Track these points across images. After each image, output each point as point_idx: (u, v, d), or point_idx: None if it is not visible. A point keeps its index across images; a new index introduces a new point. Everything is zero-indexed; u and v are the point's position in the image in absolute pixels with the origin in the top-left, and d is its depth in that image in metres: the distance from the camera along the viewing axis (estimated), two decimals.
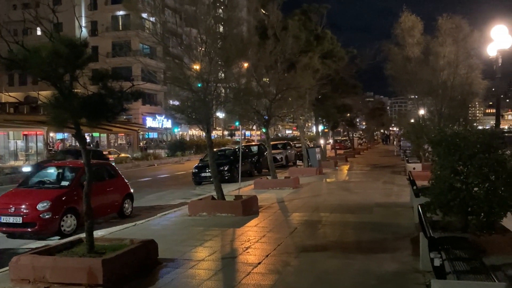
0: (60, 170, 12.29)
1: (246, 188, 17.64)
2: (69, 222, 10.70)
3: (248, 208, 11.89)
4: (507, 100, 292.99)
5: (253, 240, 8.78)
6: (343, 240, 8.72)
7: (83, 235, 10.09)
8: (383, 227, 9.73)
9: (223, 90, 13.11)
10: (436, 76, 14.86)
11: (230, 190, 17.37)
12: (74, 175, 11.69)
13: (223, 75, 12.92)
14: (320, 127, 31.83)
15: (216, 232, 9.66)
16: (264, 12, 17.59)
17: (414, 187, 9.88)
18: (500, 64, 14.64)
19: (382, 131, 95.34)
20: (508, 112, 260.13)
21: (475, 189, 7.16)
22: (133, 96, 6.61)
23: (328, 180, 20.74)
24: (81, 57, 6.18)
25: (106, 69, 6.60)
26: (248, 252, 7.97)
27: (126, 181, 13.92)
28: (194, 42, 12.09)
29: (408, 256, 7.28)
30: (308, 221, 10.76)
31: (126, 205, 13.26)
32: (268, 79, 16.03)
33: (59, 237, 9.99)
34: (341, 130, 57.61)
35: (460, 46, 14.65)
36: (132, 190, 13.65)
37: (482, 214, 7.12)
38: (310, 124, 47.86)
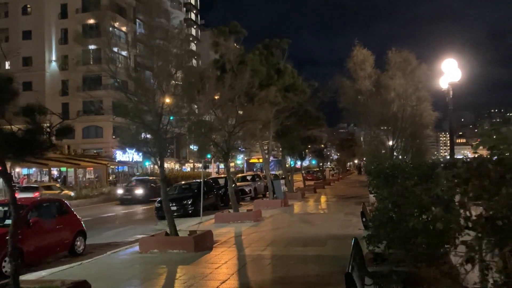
0: (5, 208, 11.85)
1: (207, 222, 17.32)
2: None
3: (202, 244, 11.61)
4: (476, 131, 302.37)
5: (198, 278, 8.52)
6: (289, 275, 8.55)
7: (24, 277, 9.67)
8: (333, 260, 9.62)
9: (177, 123, 12.98)
10: (391, 108, 15.22)
11: (191, 224, 17.05)
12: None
13: (177, 108, 12.84)
14: (289, 160, 32.01)
15: (163, 270, 9.36)
16: (224, 46, 17.75)
17: (363, 219, 9.85)
18: (451, 97, 15.06)
19: (356, 161, 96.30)
20: (477, 142, 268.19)
21: (415, 220, 7.17)
22: (63, 132, 6.45)
23: (291, 212, 20.62)
24: (5, 91, 6.01)
25: (36, 104, 6.44)
26: None
27: (79, 217, 13.53)
28: (146, 77, 12.05)
29: None
30: (260, 255, 10.56)
31: (78, 242, 12.84)
32: (226, 112, 16.02)
33: None
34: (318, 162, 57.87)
35: (409, 78, 15.06)
36: (84, 227, 13.27)
37: (423, 246, 7.12)
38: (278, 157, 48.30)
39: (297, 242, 12.19)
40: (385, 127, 15.30)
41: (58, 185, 34.71)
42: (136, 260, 10.61)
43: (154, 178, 36.31)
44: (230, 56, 16.11)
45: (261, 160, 48.79)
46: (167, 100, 12.18)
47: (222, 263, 9.90)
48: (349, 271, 5.03)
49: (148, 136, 11.99)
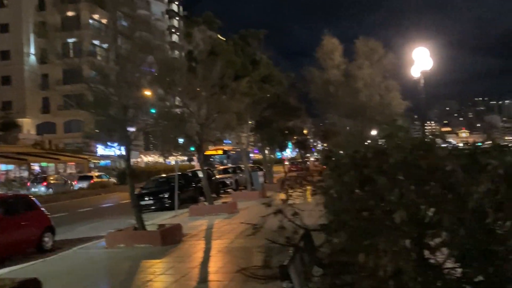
0: None
1: (182, 216, 17.16)
2: None
3: (170, 238, 11.46)
4: (461, 119, 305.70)
5: (158, 273, 8.39)
6: (252, 267, 8.45)
7: None
8: None
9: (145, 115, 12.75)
10: (360, 98, 15.17)
11: (165, 218, 16.87)
12: None
13: (144, 100, 12.61)
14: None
15: (125, 266, 9.21)
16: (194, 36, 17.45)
17: None
18: (422, 85, 15.09)
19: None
20: (462, 130, 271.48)
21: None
22: (5, 127, 6.21)
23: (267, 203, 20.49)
24: None
25: None
26: (146, 286, 7.57)
27: (47, 213, 13.29)
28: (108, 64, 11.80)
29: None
30: (227, 248, 10.46)
31: (46, 238, 12.58)
32: (198, 104, 15.79)
33: None
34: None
35: (378, 67, 15.03)
36: (53, 223, 13.02)
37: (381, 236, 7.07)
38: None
39: (268, 233, 12.09)
40: (354, 117, 15.24)
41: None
42: (100, 255, 10.45)
43: None
44: (203, 46, 15.87)
45: (220, 152, 47.59)
46: (134, 91, 11.95)
47: (186, 256, 9.78)
48: (285, 263, 4.93)
49: (114, 129, 11.76)
